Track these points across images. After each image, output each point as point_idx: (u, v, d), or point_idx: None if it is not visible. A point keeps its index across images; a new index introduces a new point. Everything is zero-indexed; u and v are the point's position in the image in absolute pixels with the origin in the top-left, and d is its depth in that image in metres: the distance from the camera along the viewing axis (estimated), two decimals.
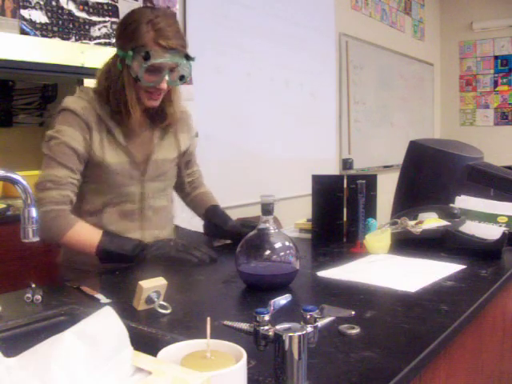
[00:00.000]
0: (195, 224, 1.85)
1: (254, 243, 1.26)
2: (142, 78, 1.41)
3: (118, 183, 1.52)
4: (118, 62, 1.44)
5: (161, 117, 1.57)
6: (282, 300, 0.82)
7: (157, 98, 1.48)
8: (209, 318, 0.71)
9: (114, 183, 1.51)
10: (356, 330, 0.95)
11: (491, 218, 1.80)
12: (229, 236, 1.73)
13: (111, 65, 1.48)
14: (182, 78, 1.49)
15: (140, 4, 2.73)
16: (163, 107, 1.54)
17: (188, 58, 1.47)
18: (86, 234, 1.44)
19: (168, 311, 1.08)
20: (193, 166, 1.81)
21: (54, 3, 2.35)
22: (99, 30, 2.54)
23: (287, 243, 1.26)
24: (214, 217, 1.74)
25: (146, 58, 1.38)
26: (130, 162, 1.52)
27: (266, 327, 0.75)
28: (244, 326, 0.80)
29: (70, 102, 1.47)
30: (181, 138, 1.66)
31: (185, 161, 1.75)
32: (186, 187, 1.82)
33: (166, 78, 1.44)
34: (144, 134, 1.56)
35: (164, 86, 1.45)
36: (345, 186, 1.78)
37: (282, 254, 1.25)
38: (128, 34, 1.42)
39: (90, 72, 2.66)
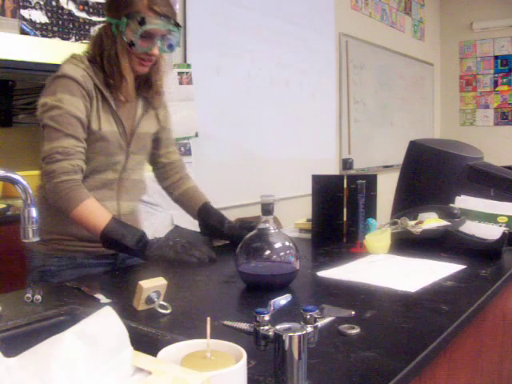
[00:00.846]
0: (195, 223, 1.85)
1: (254, 243, 1.26)
2: (137, 43, 1.46)
3: (108, 152, 1.54)
4: (114, 28, 1.47)
5: (147, 86, 1.61)
6: (282, 300, 0.82)
7: (147, 65, 1.53)
8: (209, 318, 0.71)
9: (104, 151, 1.53)
10: (356, 330, 0.95)
11: (491, 218, 1.80)
12: (227, 238, 1.73)
13: (103, 33, 1.51)
14: (170, 46, 1.54)
15: None
16: (149, 76, 1.59)
17: (178, 26, 1.52)
18: (94, 214, 1.45)
19: (168, 311, 1.08)
20: (169, 146, 1.78)
21: (53, 3, 2.35)
22: None
23: (287, 243, 1.26)
24: (209, 217, 1.72)
25: (142, 23, 1.43)
26: (120, 132, 1.56)
27: (266, 327, 0.75)
28: (244, 325, 0.80)
29: (69, 69, 1.47)
30: (160, 112, 1.69)
31: (160, 136, 1.73)
32: (165, 172, 1.78)
33: (158, 44, 1.49)
34: (130, 106, 1.60)
35: (156, 51, 1.50)
36: (345, 185, 1.78)
37: (282, 254, 1.25)
38: (121, 1, 1.46)
39: None
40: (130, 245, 1.43)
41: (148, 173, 1.90)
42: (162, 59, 1.61)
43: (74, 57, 1.53)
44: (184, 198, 1.79)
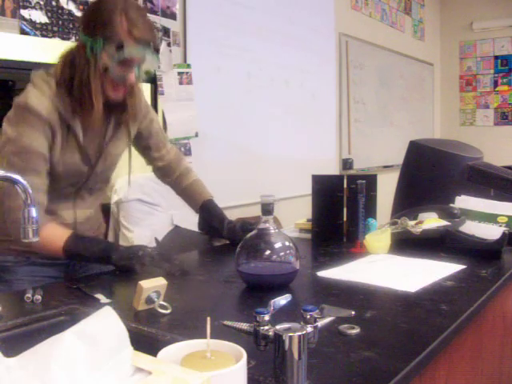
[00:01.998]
0: (195, 223, 1.85)
1: (254, 243, 1.26)
2: (113, 69, 1.37)
3: (67, 178, 1.50)
4: (88, 49, 1.38)
5: (120, 110, 1.52)
6: (282, 300, 0.82)
7: (122, 91, 1.45)
8: (209, 318, 0.71)
9: (63, 179, 1.49)
10: (356, 330, 0.95)
11: (491, 218, 1.80)
12: (226, 238, 1.74)
13: (76, 53, 1.41)
14: (147, 72, 1.45)
15: (139, 4, 2.73)
16: (124, 101, 1.51)
17: (157, 51, 1.44)
18: (51, 242, 1.40)
19: (168, 311, 1.08)
20: (161, 149, 1.74)
21: (53, 3, 2.35)
22: None
23: (287, 243, 1.26)
24: (210, 217, 1.72)
25: (119, 49, 1.35)
26: (83, 159, 1.50)
27: (266, 327, 0.75)
28: (244, 326, 0.80)
29: (33, 99, 1.38)
30: (131, 128, 1.61)
31: (146, 144, 1.69)
32: (164, 173, 1.78)
33: (135, 71, 1.41)
34: (99, 128, 1.52)
35: (133, 78, 1.42)
36: (345, 186, 1.78)
37: (282, 254, 1.25)
38: (100, 22, 1.36)
39: None
40: (92, 257, 1.40)
41: (148, 174, 1.90)
42: (137, 83, 1.52)
43: (43, 79, 1.42)
44: (186, 195, 1.79)
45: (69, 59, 1.42)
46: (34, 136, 1.38)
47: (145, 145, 1.70)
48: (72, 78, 1.41)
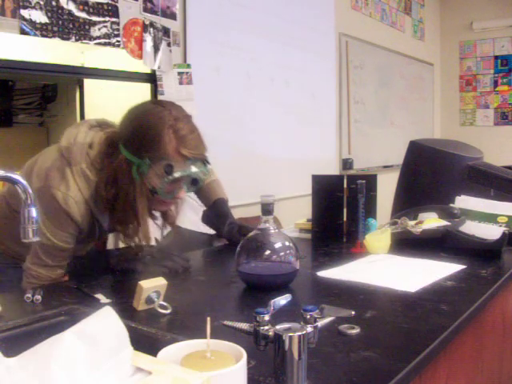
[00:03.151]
0: (196, 222, 1.85)
1: (254, 243, 1.26)
2: (162, 190, 1.29)
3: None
4: (134, 169, 1.29)
5: (160, 216, 1.48)
6: (282, 300, 0.82)
7: (170, 206, 1.41)
8: (209, 318, 0.71)
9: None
10: (356, 330, 0.95)
11: (491, 218, 1.80)
12: (226, 239, 1.76)
13: (118, 169, 1.30)
14: (195, 181, 1.35)
15: (139, 4, 2.72)
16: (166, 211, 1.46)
17: (206, 162, 1.34)
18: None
19: (168, 311, 1.08)
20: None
21: (53, 3, 2.34)
22: (99, 30, 2.53)
23: (287, 243, 1.26)
24: (214, 216, 1.75)
25: (169, 172, 1.26)
26: (103, 235, 1.52)
27: (266, 327, 0.75)
28: (244, 325, 0.80)
29: (72, 206, 1.31)
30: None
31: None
32: None
33: (184, 187, 1.34)
34: None
35: (182, 194, 1.35)
36: (345, 186, 1.78)
37: (282, 254, 1.25)
38: (147, 141, 1.27)
39: (90, 72, 2.66)
40: (94, 271, 1.41)
41: None
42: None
43: (83, 173, 1.33)
44: (201, 193, 1.80)
45: (111, 176, 1.32)
46: (66, 238, 1.35)
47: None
48: (115, 197, 1.33)
